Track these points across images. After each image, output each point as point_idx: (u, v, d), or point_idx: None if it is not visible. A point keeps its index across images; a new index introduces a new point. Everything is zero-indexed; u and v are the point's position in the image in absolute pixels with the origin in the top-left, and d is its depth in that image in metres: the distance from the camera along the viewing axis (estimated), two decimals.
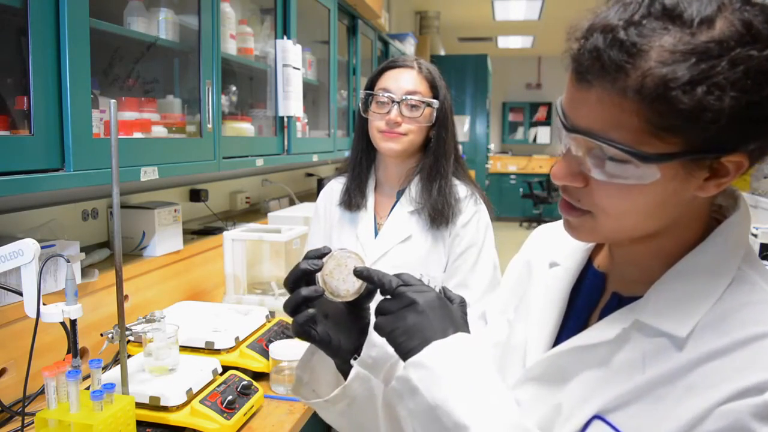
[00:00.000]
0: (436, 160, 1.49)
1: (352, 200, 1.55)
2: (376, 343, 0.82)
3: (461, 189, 1.52)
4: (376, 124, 1.47)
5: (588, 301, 0.74)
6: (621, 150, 0.55)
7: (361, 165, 1.57)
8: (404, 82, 1.46)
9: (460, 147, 1.60)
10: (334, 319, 0.78)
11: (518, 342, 0.78)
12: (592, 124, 0.57)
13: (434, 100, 1.47)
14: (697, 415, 0.56)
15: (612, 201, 0.60)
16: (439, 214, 1.46)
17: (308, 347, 0.83)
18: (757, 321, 0.58)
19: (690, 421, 0.56)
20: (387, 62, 1.52)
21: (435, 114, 1.48)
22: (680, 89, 0.51)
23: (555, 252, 0.79)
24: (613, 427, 0.62)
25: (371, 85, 1.50)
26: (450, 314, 0.71)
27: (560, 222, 0.72)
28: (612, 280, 0.73)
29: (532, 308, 0.78)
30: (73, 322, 1.04)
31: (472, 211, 1.50)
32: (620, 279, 0.72)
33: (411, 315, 0.69)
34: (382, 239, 1.51)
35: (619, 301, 0.69)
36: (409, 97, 1.45)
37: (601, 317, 0.69)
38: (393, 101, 1.45)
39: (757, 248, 2.32)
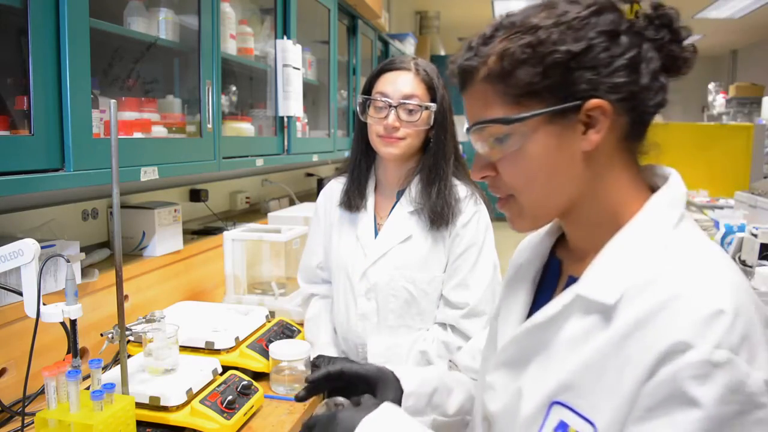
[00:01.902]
0: (436, 161, 1.48)
1: (351, 202, 1.55)
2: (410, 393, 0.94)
3: (461, 189, 1.51)
4: (375, 128, 1.47)
5: (550, 288, 0.80)
6: (493, 122, 0.69)
7: (360, 167, 1.56)
8: (401, 85, 1.45)
9: (461, 147, 1.59)
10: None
11: (493, 335, 0.87)
12: (476, 117, 0.72)
13: (431, 104, 1.46)
14: (634, 387, 0.60)
15: (514, 173, 0.70)
16: (438, 215, 1.46)
17: None
18: (677, 283, 0.62)
19: (631, 394, 0.60)
20: (384, 64, 1.51)
21: (433, 116, 1.48)
22: (508, 57, 0.67)
23: (524, 253, 0.87)
24: (572, 410, 0.66)
25: (369, 88, 1.50)
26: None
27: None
28: (567, 264, 0.79)
29: (506, 304, 0.85)
30: (73, 322, 1.04)
31: (472, 211, 1.50)
32: (574, 262, 0.77)
33: None
34: (382, 239, 1.51)
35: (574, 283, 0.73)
36: (405, 101, 1.44)
37: None
38: (390, 106, 1.44)
39: (756, 248, 2.33)
